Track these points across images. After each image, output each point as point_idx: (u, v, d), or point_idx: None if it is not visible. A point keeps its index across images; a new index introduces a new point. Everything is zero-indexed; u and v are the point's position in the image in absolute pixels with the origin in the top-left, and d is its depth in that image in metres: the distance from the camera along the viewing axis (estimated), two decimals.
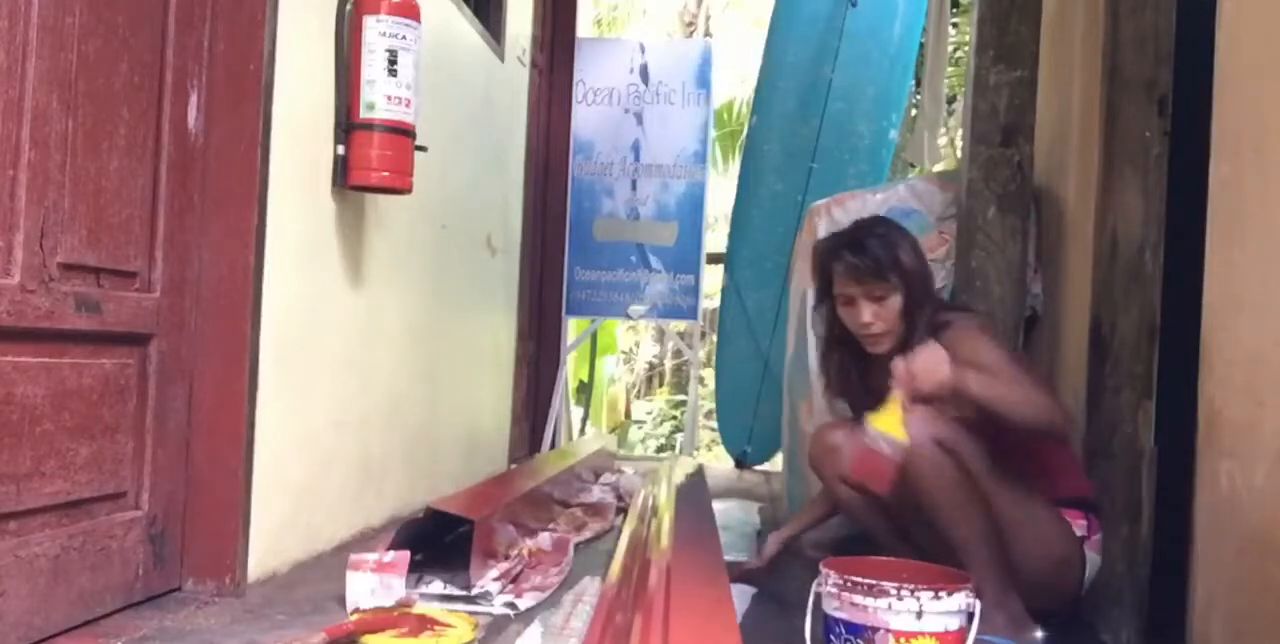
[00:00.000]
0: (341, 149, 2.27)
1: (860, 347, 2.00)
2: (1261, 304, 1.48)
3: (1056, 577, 1.87)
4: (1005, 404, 1.71)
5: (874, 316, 1.92)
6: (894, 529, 2.07)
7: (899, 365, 1.67)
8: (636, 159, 4.75)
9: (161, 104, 1.84)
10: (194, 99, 1.93)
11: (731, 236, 4.62)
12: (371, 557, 1.87)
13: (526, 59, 4.20)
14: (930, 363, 1.64)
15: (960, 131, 3.10)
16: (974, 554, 1.77)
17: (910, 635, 1.46)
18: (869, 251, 1.90)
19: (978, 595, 1.55)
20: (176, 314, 1.90)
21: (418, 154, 2.36)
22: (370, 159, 2.25)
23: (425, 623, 1.75)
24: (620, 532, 2.55)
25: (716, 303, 5.41)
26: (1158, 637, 1.90)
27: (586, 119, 4.76)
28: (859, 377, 2.06)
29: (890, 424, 1.66)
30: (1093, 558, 1.90)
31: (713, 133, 5.27)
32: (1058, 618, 1.88)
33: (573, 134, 4.76)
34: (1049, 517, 1.87)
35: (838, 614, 1.52)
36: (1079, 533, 1.89)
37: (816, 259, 2.00)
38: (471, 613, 1.85)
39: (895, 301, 1.91)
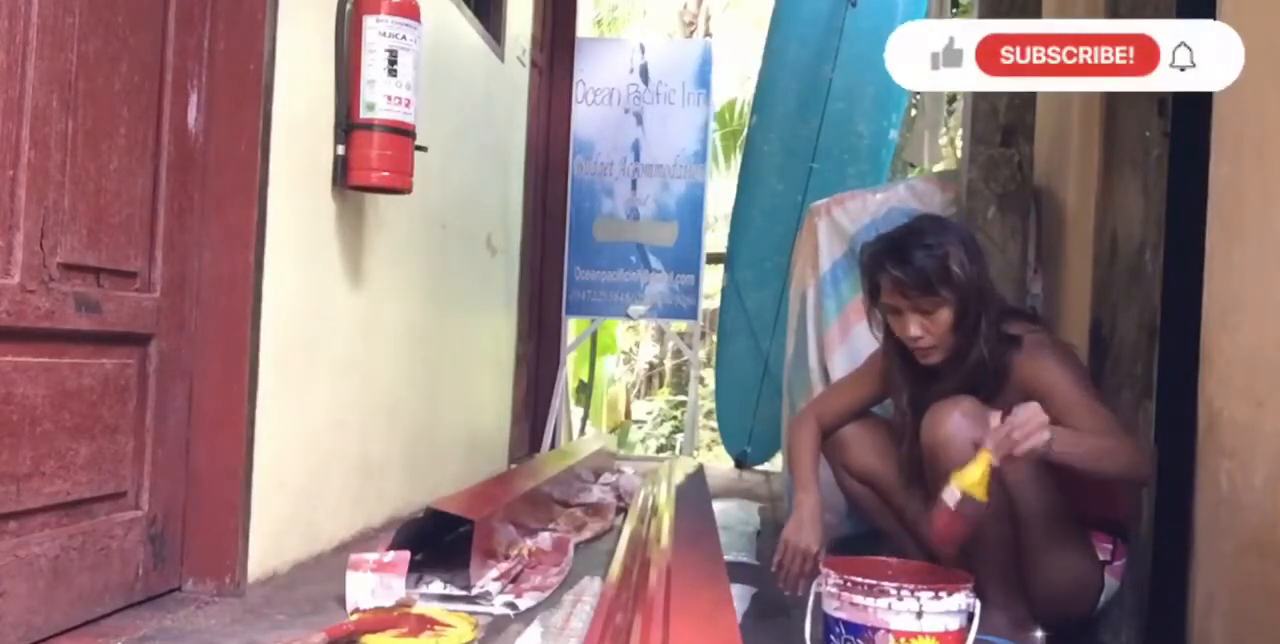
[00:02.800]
0: (341, 149, 2.27)
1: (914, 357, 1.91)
2: (1261, 304, 1.48)
3: (1071, 601, 1.83)
4: (1090, 460, 1.62)
5: (922, 330, 1.80)
6: (902, 524, 2.05)
7: (995, 423, 1.60)
8: (636, 159, 4.75)
9: (161, 104, 1.84)
10: (194, 99, 1.93)
11: (731, 236, 4.62)
12: (371, 557, 1.87)
13: (526, 59, 4.20)
14: (1031, 426, 1.54)
15: (960, 131, 3.10)
16: (984, 556, 1.76)
17: (910, 635, 1.46)
18: (914, 263, 1.76)
19: (983, 597, 1.55)
20: (176, 314, 1.90)
21: (418, 154, 2.36)
22: (370, 159, 2.25)
23: (425, 623, 1.75)
24: (620, 532, 2.55)
25: (716, 303, 5.41)
26: (1158, 637, 1.90)
27: (586, 119, 4.76)
28: (911, 382, 1.94)
29: (974, 482, 1.57)
30: (1111, 583, 1.84)
31: (713, 133, 5.27)
32: (1062, 635, 1.85)
33: (573, 134, 4.76)
34: (1076, 541, 1.81)
35: (838, 614, 1.52)
36: (1102, 557, 1.83)
37: (862, 264, 1.90)
38: (471, 613, 1.85)
39: (945, 316, 1.78)
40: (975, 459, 1.57)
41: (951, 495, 1.56)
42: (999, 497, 1.70)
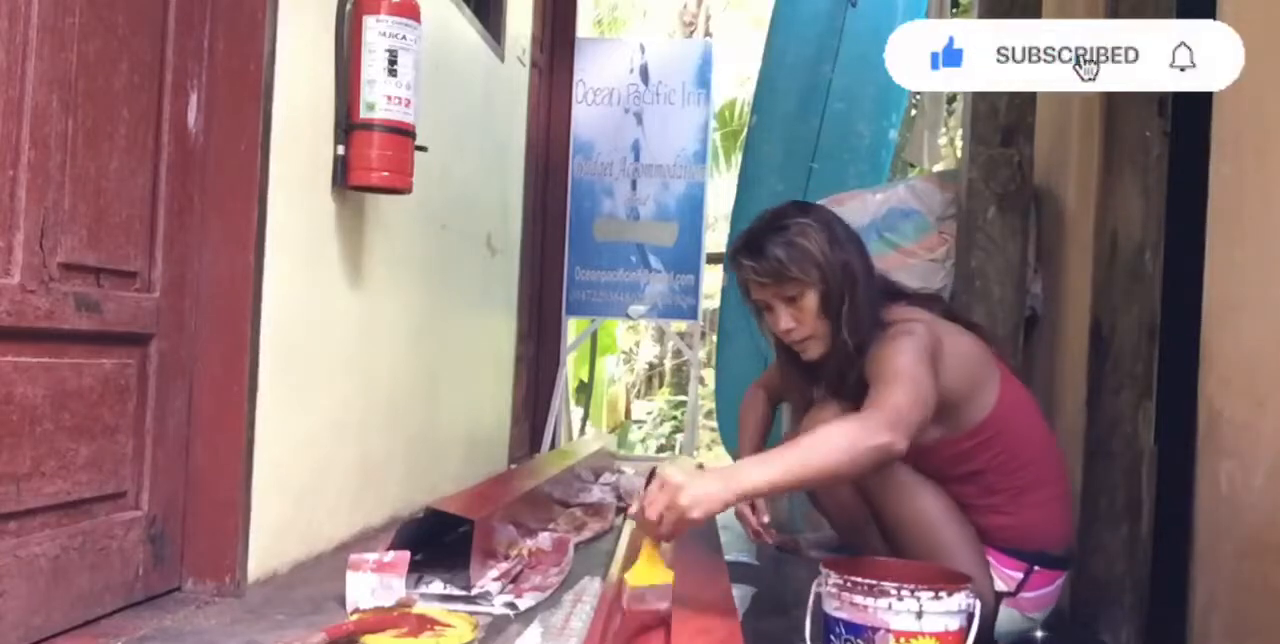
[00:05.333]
0: (341, 149, 2.27)
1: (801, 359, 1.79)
2: (1261, 304, 1.48)
3: None
4: (810, 472, 1.42)
5: (793, 320, 1.71)
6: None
7: (635, 509, 1.45)
8: (636, 159, 4.75)
9: (161, 104, 1.84)
10: (194, 99, 1.93)
11: (731, 236, 4.62)
12: (371, 557, 1.87)
13: (526, 59, 4.20)
14: (659, 507, 1.39)
15: (960, 131, 3.10)
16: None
17: (910, 635, 1.45)
18: (766, 252, 1.68)
19: None
20: (176, 314, 1.90)
21: (418, 154, 2.36)
22: (370, 159, 2.25)
23: (425, 623, 1.75)
24: (620, 532, 2.55)
25: (716, 303, 5.41)
26: (1158, 637, 1.90)
27: (586, 119, 4.76)
28: (799, 387, 1.87)
29: (649, 575, 1.48)
30: (1011, 615, 1.72)
31: (713, 133, 5.27)
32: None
33: (573, 134, 4.76)
34: (961, 556, 1.69)
35: (838, 614, 1.52)
36: (1002, 586, 1.72)
37: (727, 268, 1.82)
38: (471, 613, 1.85)
39: (811, 300, 1.68)
40: (641, 553, 1.48)
41: (636, 598, 1.47)
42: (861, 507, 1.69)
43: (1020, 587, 1.73)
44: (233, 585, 1.93)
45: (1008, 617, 1.74)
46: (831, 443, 1.43)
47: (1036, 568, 1.73)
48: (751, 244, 1.71)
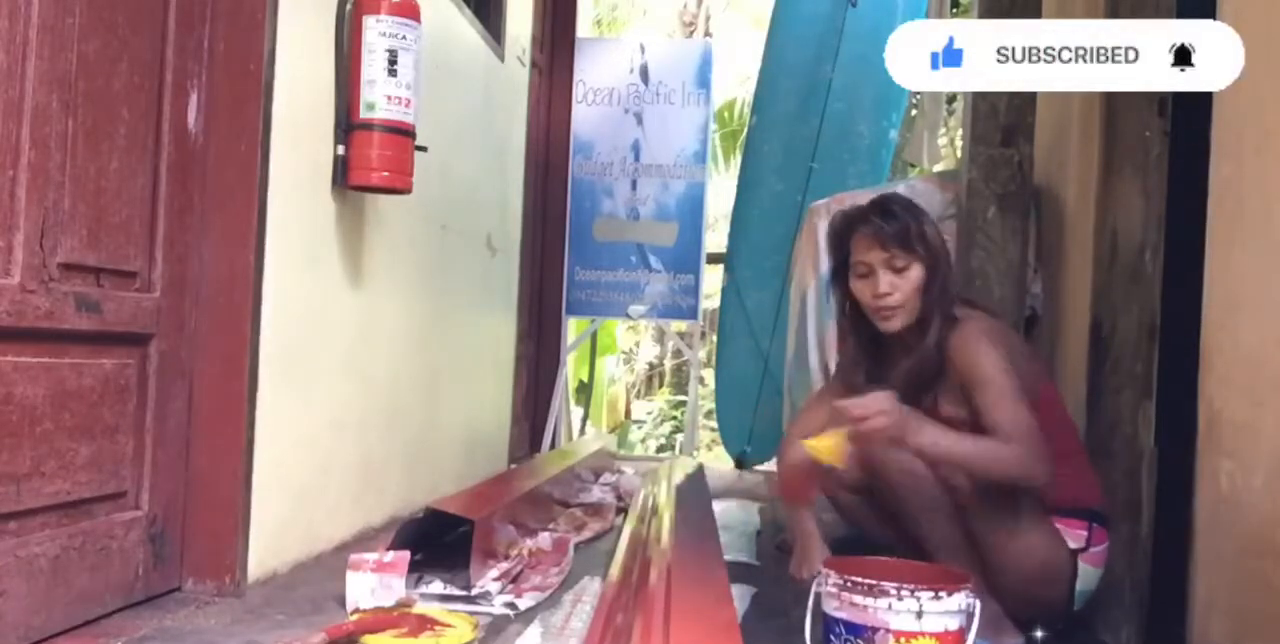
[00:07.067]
0: (341, 149, 2.27)
1: (873, 330, 1.92)
2: (1261, 304, 1.48)
3: (1041, 585, 1.81)
4: (958, 461, 1.74)
5: (891, 287, 1.83)
6: (891, 525, 2.04)
7: (847, 406, 1.69)
8: (636, 159, 4.75)
9: (161, 104, 1.84)
10: (194, 99, 1.93)
11: (731, 236, 4.63)
12: (371, 557, 1.87)
13: (526, 59, 4.20)
14: (869, 411, 1.67)
15: (960, 131, 3.10)
16: (941, 557, 1.79)
17: (910, 635, 1.45)
18: (898, 217, 1.84)
19: None
20: (176, 314, 1.90)
21: (418, 154, 2.36)
22: (370, 159, 2.25)
23: (425, 623, 1.75)
24: (620, 532, 2.55)
25: (716, 303, 5.41)
26: (1158, 637, 1.90)
27: (586, 119, 4.76)
28: (871, 366, 1.98)
29: (826, 451, 1.72)
30: (1088, 570, 1.84)
31: (713, 133, 5.26)
32: (1047, 628, 1.84)
33: (573, 134, 4.76)
34: (1036, 525, 1.81)
35: (838, 614, 1.52)
36: (1074, 544, 1.83)
37: (836, 228, 1.95)
38: (471, 613, 1.85)
39: (915, 274, 1.83)
40: (831, 432, 1.73)
41: (798, 452, 1.75)
42: (937, 493, 1.79)
43: (1088, 543, 1.83)
44: (233, 585, 1.93)
45: (1084, 572, 1.83)
46: (1003, 462, 1.71)
47: (1094, 525, 1.84)
48: (884, 208, 1.87)
